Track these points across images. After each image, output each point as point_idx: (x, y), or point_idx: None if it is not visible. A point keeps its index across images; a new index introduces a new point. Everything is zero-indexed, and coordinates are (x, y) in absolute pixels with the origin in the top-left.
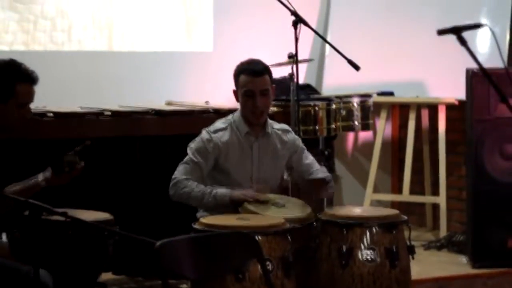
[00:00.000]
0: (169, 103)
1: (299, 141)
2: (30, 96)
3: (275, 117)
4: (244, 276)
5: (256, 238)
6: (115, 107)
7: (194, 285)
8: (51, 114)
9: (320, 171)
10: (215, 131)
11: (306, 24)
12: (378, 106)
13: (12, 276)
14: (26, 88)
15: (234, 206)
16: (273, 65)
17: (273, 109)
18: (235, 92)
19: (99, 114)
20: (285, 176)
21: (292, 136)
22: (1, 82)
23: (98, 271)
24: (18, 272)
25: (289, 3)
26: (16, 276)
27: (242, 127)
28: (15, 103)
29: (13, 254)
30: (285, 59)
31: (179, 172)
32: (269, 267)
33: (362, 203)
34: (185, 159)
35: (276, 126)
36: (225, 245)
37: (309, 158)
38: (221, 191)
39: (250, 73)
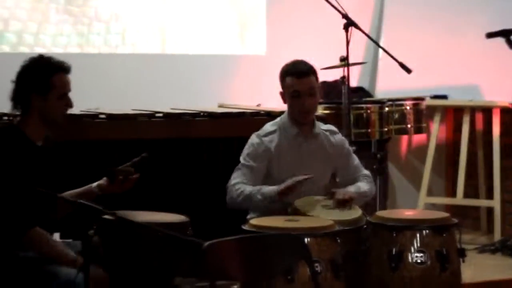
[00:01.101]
0: (221, 106)
1: (346, 143)
2: (67, 86)
3: (326, 119)
4: (293, 277)
5: (305, 239)
6: (167, 109)
7: (244, 286)
8: (104, 116)
9: (364, 179)
10: (265, 135)
11: (357, 27)
12: (432, 110)
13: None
14: (61, 78)
15: (282, 200)
16: (325, 68)
17: (325, 111)
18: (282, 94)
19: (151, 116)
20: (338, 179)
21: (339, 137)
22: (37, 76)
23: (173, 273)
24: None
25: (341, 6)
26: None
27: (290, 129)
28: (54, 95)
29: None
30: (337, 62)
31: (233, 179)
32: (318, 269)
33: (416, 206)
34: (238, 165)
35: (323, 127)
36: (274, 247)
37: (355, 161)
38: (269, 187)
39: (296, 74)
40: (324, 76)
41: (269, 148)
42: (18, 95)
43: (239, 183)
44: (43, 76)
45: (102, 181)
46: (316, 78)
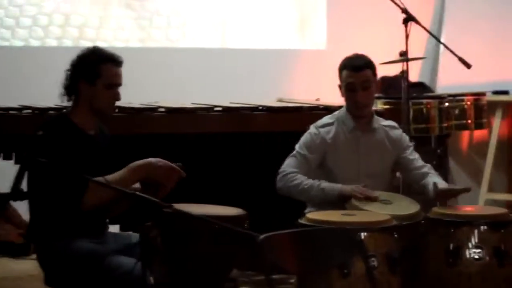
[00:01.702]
0: (280, 100)
1: (406, 138)
2: (115, 77)
3: (385, 114)
4: (349, 272)
5: (362, 234)
6: (226, 103)
7: (301, 280)
8: (163, 110)
9: (433, 175)
10: (322, 126)
11: (416, 21)
12: (493, 105)
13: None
14: (110, 68)
15: (341, 201)
16: (385, 63)
17: (384, 106)
18: (340, 87)
19: (209, 109)
20: (398, 174)
21: (399, 132)
22: (87, 64)
23: (230, 266)
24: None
25: (400, 1)
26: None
27: (348, 122)
28: (101, 84)
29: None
30: (397, 57)
31: (287, 166)
32: (374, 264)
33: (477, 202)
34: (293, 153)
35: (383, 122)
36: (329, 241)
37: (415, 156)
38: (331, 184)
39: (352, 68)
40: (385, 71)
41: (325, 140)
42: (69, 84)
43: (295, 173)
44: (92, 64)
45: (137, 185)
46: (373, 73)
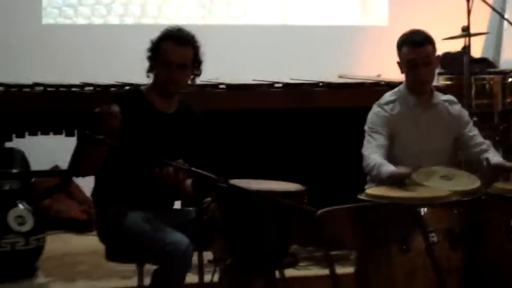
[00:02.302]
0: (341, 77)
1: (465, 113)
2: (170, 55)
3: (447, 90)
4: (409, 247)
5: (422, 209)
6: (286, 79)
7: (359, 255)
8: (224, 86)
9: (491, 151)
10: (386, 103)
11: None
12: None
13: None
14: (169, 45)
15: (392, 183)
16: (447, 39)
17: (446, 82)
18: (399, 64)
19: (270, 86)
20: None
21: (458, 107)
22: (153, 41)
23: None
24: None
25: None
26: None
27: (409, 99)
28: (159, 61)
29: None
30: (459, 32)
31: (365, 149)
32: (434, 239)
33: None
34: (367, 133)
35: (442, 97)
36: (389, 216)
37: (474, 131)
38: (385, 167)
39: (412, 44)
40: (447, 47)
41: (390, 116)
42: (149, 61)
43: (371, 154)
44: (155, 42)
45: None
46: (433, 48)
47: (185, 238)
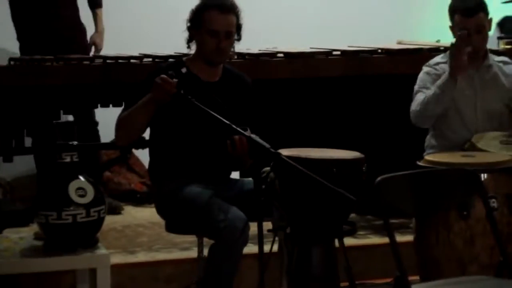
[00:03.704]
0: (399, 43)
1: None
2: (216, 23)
3: (506, 54)
4: (469, 213)
5: (482, 175)
6: (344, 47)
7: (418, 222)
8: (281, 55)
9: None
10: (435, 64)
11: None
12: None
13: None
14: (212, 14)
15: (455, 80)
16: (507, 2)
17: (506, 47)
18: (452, 29)
19: (328, 54)
20: None
21: None
22: (195, 11)
23: (348, 210)
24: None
25: None
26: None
27: None
28: (204, 30)
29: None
30: None
31: (415, 104)
32: (494, 205)
33: None
34: (416, 91)
35: (497, 58)
36: (447, 182)
37: None
38: (439, 81)
39: (464, 12)
40: (507, 10)
41: (440, 74)
42: (187, 31)
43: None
44: (199, 11)
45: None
46: (486, 14)
47: (242, 214)
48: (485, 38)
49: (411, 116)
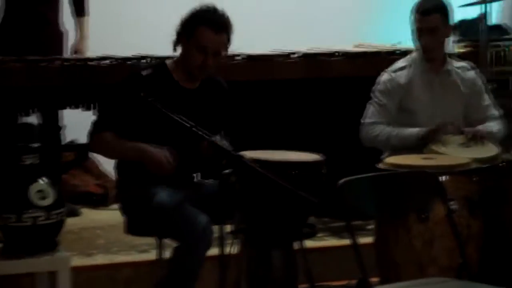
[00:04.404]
0: (357, 46)
1: (479, 80)
2: (209, 41)
3: (464, 57)
4: (428, 215)
5: (441, 177)
6: (303, 49)
7: (379, 224)
8: (242, 57)
9: (494, 120)
10: (395, 70)
11: None
12: None
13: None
14: (206, 31)
15: (421, 144)
16: (464, 5)
17: (463, 50)
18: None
19: (287, 56)
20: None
21: (472, 73)
22: (186, 23)
23: (308, 212)
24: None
25: None
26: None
27: (421, 64)
28: (194, 44)
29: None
30: None
31: (367, 116)
32: (454, 207)
33: None
34: (370, 102)
35: (457, 64)
36: (408, 185)
37: (487, 100)
38: (408, 131)
39: (419, 12)
40: (464, 13)
41: (399, 84)
42: (176, 36)
43: (376, 124)
44: (193, 22)
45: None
46: (443, 18)
47: (205, 216)
48: (437, 39)
49: (361, 132)
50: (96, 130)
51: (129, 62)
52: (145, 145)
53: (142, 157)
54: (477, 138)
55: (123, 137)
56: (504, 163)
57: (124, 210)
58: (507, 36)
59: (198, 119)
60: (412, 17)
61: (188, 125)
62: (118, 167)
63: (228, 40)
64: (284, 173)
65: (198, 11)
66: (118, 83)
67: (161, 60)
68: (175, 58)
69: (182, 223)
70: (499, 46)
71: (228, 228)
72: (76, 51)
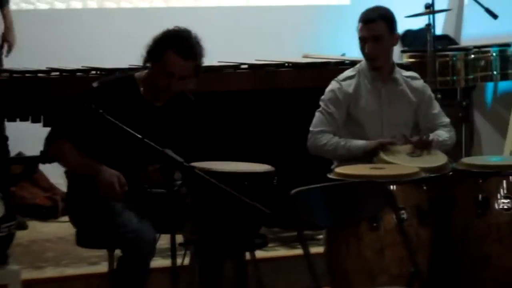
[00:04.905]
0: (305, 56)
1: (427, 88)
2: (175, 67)
3: (411, 68)
4: (379, 225)
5: (391, 187)
6: (252, 61)
7: (329, 234)
8: None
9: (443, 127)
10: (344, 79)
11: None
12: None
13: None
14: (173, 57)
15: (368, 157)
16: (410, 16)
17: (410, 60)
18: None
19: (236, 67)
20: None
21: (420, 82)
22: (156, 43)
23: (260, 223)
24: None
25: None
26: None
27: (369, 73)
28: (161, 67)
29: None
30: (422, 9)
31: (315, 124)
32: (404, 216)
33: (501, 154)
34: (318, 110)
35: (404, 73)
36: (359, 194)
37: (436, 108)
38: (355, 143)
39: (364, 20)
40: (409, 24)
41: (348, 93)
42: (146, 53)
43: (324, 132)
44: (163, 45)
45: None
46: (388, 26)
47: (148, 225)
48: (380, 47)
49: (308, 140)
50: (54, 136)
51: (78, 74)
52: (101, 165)
53: (96, 176)
54: (425, 147)
55: (79, 148)
56: (452, 172)
57: (73, 222)
58: (454, 46)
59: (161, 136)
60: (358, 26)
61: (139, 137)
62: (68, 178)
63: (197, 66)
64: (236, 184)
65: (170, 34)
66: (76, 96)
67: (130, 73)
68: (143, 73)
69: (126, 233)
70: (447, 56)
71: (180, 239)
72: (4, 41)
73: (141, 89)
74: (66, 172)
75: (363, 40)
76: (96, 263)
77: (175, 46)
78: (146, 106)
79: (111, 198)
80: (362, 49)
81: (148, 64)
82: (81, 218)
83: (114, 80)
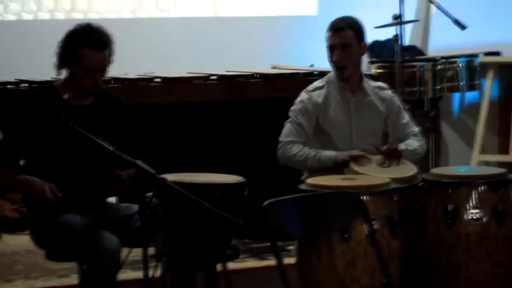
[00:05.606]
0: (274, 67)
1: (396, 99)
2: (94, 62)
3: (379, 78)
4: (350, 235)
5: (362, 198)
6: (221, 72)
7: (301, 245)
8: (159, 80)
9: (414, 137)
10: (313, 90)
11: None
12: (485, 67)
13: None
14: (89, 53)
15: (338, 168)
16: (378, 27)
17: (378, 70)
18: None
19: (205, 78)
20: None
21: (389, 93)
22: (66, 47)
23: (231, 234)
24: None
25: None
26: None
27: (337, 84)
28: (81, 67)
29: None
30: (390, 20)
31: (284, 135)
32: (375, 227)
33: (469, 164)
34: (288, 120)
35: (373, 83)
36: (331, 205)
37: (405, 118)
38: (326, 154)
39: (332, 28)
40: (377, 35)
41: (317, 103)
42: (57, 60)
43: (294, 143)
44: (73, 45)
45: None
46: (357, 35)
47: (113, 237)
48: (349, 56)
49: (277, 150)
50: None
51: (9, 86)
52: (32, 178)
53: (28, 189)
54: (395, 156)
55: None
56: (422, 183)
57: (36, 242)
58: (422, 57)
59: (98, 133)
60: (326, 35)
61: (111, 149)
62: (24, 200)
63: (110, 54)
64: (207, 195)
65: (75, 33)
66: (7, 111)
67: (48, 83)
68: (61, 80)
69: (89, 246)
70: (414, 66)
71: (152, 251)
72: None
73: (65, 95)
74: (22, 199)
75: (331, 49)
76: (66, 275)
77: (86, 43)
78: (74, 109)
79: (46, 205)
80: (331, 57)
81: (64, 69)
82: (44, 238)
83: (33, 94)
